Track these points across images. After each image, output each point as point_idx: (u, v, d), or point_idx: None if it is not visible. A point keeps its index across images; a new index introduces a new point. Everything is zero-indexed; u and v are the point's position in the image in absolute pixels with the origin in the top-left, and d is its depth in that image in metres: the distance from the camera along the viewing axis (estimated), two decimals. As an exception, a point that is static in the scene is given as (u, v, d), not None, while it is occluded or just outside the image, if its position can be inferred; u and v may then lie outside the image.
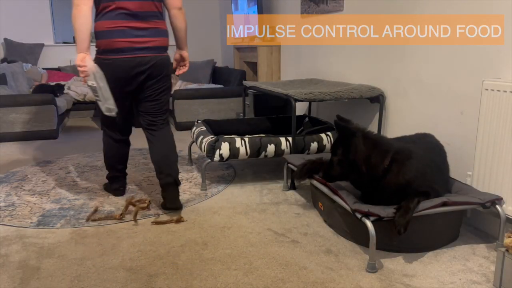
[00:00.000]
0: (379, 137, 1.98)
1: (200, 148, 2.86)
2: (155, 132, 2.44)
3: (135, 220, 2.26)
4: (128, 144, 2.62)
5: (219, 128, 3.31)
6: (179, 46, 2.50)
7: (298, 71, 4.22)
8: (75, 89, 5.50)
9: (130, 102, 2.43)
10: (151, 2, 2.24)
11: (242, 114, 3.98)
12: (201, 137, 2.88)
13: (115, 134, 2.52)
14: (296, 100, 2.70)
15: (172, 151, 2.44)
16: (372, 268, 1.77)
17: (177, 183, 2.37)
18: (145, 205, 2.41)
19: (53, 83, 5.41)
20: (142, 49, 2.23)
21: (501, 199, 1.91)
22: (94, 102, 5.50)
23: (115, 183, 2.66)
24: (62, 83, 5.50)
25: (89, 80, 2.13)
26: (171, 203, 2.36)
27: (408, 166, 1.88)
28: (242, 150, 2.72)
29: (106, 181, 2.73)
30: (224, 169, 3.26)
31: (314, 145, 2.87)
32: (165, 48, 2.37)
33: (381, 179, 1.88)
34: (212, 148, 2.68)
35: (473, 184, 2.07)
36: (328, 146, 2.91)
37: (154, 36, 2.27)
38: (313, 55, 3.88)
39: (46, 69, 5.95)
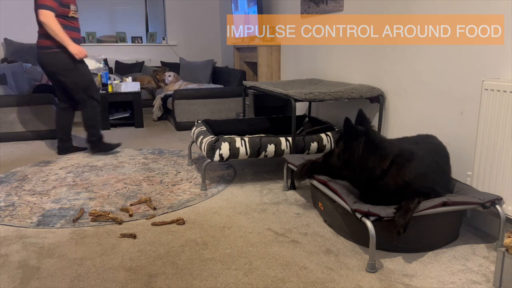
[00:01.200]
0: (383, 140, 1.98)
1: (200, 148, 2.86)
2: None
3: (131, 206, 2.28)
4: (68, 113, 3.73)
5: (219, 128, 3.31)
6: None
7: (298, 71, 4.22)
8: (75, 89, 5.49)
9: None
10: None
11: (242, 114, 3.98)
12: (201, 137, 2.88)
13: (60, 103, 3.71)
14: (296, 100, 2.70)
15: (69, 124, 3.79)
16: (372, 268, 1.77)
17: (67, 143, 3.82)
18: (151, 205, 2.45)
19: (53, 83, 5.40)
20: (37, 47, 3.47)
21: (501, 199, 1.91)
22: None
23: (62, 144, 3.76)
24: (62, 83, 5.49)
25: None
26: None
27: (408, 168, 1.88)
28: (242, 150, 2.72)
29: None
30: (224, 169, 3.26)
31: (314, 145, 2.87)
32: (45, 47, 3.38)
33: (379, 180, 1.89)
34: (212, 148, 2.68)
35: (473, 184, 2.07)
36: (328, 146, 2.91)
37: (39, 39, 3.42)
38: (313, 55, 3.89)
39: (46, 69, 5.93)
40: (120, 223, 2.25)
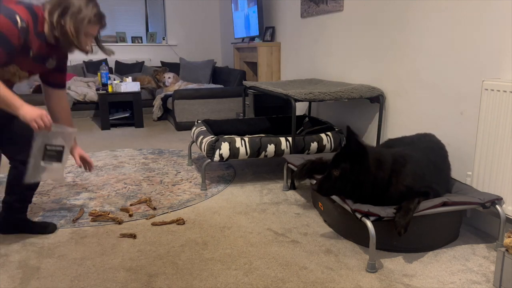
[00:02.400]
0: (380, 153, 1.92)
1: (200, 148, 2.86)
2: None
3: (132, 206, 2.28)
4: None
5: (219, 128, 3.31)
6: None
7: (298, 71, 4.23)
8: (75, 89, 5.50)
9: None
10: None
11: (242, 114, 3.98)
12: (201, 137, 2.88)
13: None
14: (296, 100, 2.70)
15: None
16: (372, 268, 1.77)
17: None
18: (151, 205, 2.45)
19: (53, 83, 5.40)
20: None
21: (501, 199, 1.91)
22: (95, 102, 5.53)
23: None
24: (62, 83, 5.50)
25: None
26: None
27: (405, 172, 1.87)
28: (242, 150, 2.72)
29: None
30: (224, 169, 3.26)
31: (314, 145, 2.87)
32: None
33: (384, 192, 1.87)
34: (212, 148, 2.68)
35: (473, 184, 2.07)
36: (328, 146, 2.92)
37: None
38: (313, 55, 3.89)
39: (46, 69, 5.94)
40: (120, 223, 2.25)
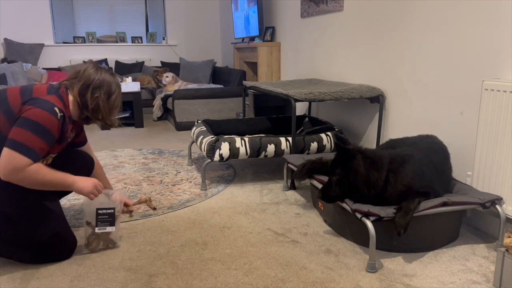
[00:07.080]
0: (374, 153, 1.94)
1: (200, 148, 2.86)
2: None
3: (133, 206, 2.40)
4: None
5: (219, 128, 3.31)
6: None
7: (298, 71, 4.23)
8: (75, 89, 5.49)
9: None
10: None
11: (242, 114, 3.99)
12: (201, 137, 2.88)
13: None
14: (296, 100, 2.70)
15: None
16: (372, 268, 1.77)
17: None
18: (150, 205, 2.51)
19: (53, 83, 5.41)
20: None
21: (501, 199, 1.91)
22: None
23: None
24: (62, 83, 5.50)
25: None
26: None
27: (403, 172, 1.88)
28: (242, 150, 2.72)
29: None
30: (224, 169, 3.26)
31: (314, 145, 2.87)
32: None
33: (383, 192, 1.87)
34: (212, 148, 2.68)
35: (473, 184, 2.07)
36: (328, 146, 2.92)
37: None
38: (313, 55, 3.89)
39: (46, 69, 5.95)
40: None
